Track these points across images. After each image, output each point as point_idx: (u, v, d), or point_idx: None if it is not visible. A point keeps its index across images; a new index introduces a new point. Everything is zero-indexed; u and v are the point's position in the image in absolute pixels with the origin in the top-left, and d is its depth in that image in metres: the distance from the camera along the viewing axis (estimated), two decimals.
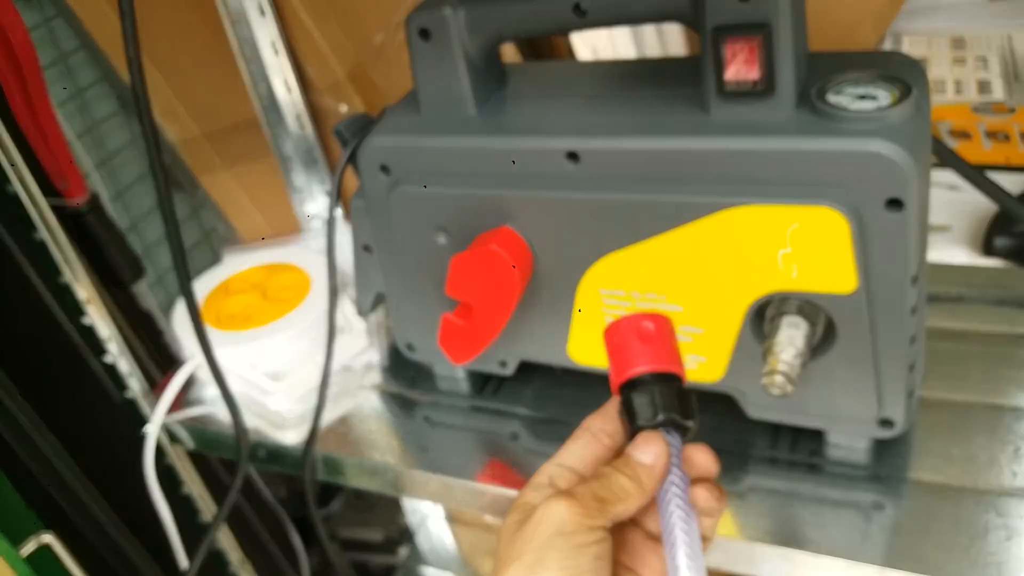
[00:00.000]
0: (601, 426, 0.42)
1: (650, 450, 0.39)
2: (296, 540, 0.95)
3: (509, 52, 0.79)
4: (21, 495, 0.67)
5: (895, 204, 0.42)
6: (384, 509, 1.24)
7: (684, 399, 0.40)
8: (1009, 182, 0.60)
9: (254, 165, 0.89)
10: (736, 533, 0.50)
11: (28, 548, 0.61)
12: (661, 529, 0.38)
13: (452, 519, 1.22)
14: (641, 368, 0.40)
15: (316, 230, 0.91)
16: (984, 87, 0.83)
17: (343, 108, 0.81)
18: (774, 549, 0.49)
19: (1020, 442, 0.52)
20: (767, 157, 0.44)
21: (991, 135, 0.78)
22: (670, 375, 0.41)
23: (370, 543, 1.23)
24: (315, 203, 0.89)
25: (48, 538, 0.63)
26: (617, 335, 0.42)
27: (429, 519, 1.22)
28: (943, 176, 0.69)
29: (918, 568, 0.45)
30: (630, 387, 0.41)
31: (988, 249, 0.71)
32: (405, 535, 1.21)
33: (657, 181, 0.47)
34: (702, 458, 0.40)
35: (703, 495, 0.39)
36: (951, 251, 0.73)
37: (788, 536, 0.49)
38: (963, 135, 0.78)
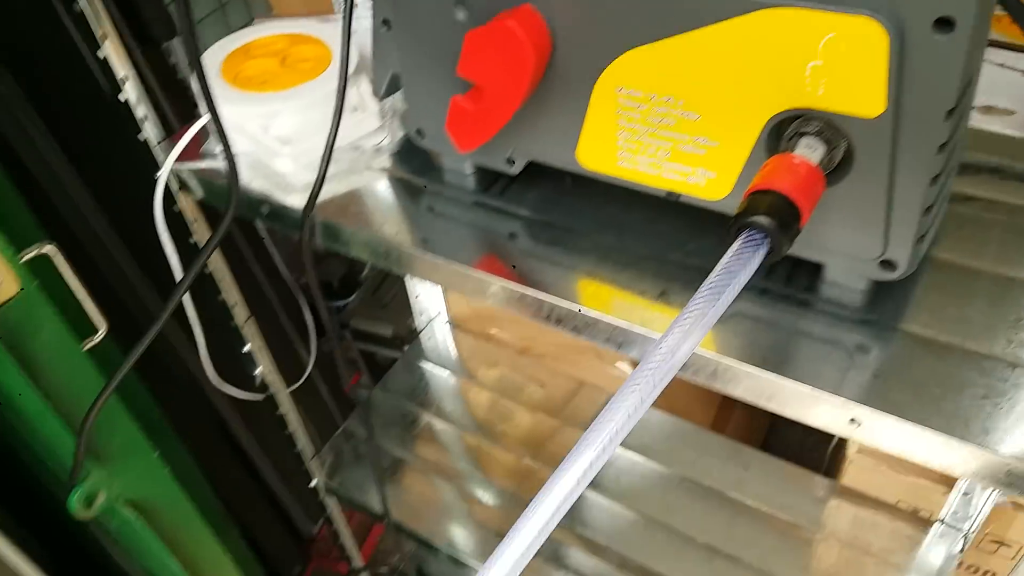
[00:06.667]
0: None
1: None
2: (307, 313, 0.97)
3: None
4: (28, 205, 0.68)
5: (945, 24, 0.38)
6: (396, 309, 1.28)
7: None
8: None
9: None
10: (715, 349, 0.50)
11: (29, 254, 0.64)
12: None
13: (455, 325, 1.24)
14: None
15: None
16: None
17: None
18: (743, 367, 0.48)
19: (1023, 313, 0.50)
20: None
21: None
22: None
23: (380, 337, 1.28)
24: None
25: (49, 248, 0.65)
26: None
27: (435, 322, 1.25)
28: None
29: (884, 407, 0.45)
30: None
31: None
32: (413, 335, 1.25)
33: None
34: None
35: None
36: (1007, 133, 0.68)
37: (763, 359, 0.48)
38: None
